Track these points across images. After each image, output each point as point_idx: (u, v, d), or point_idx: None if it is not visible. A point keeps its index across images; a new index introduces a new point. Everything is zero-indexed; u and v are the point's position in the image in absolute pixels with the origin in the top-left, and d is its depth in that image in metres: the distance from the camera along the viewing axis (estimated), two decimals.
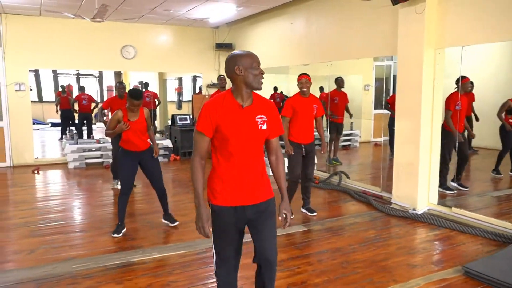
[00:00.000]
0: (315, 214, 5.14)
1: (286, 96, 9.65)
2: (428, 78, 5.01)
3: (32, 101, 9.02)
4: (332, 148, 7.96)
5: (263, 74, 2.28)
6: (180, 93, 15.61)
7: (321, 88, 8.84)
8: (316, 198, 6.01)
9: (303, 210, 5.22)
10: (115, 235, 4.40)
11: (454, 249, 4.15)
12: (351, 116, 8.15)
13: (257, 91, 2.34)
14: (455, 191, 5.87)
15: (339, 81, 7.62)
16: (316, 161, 6.04)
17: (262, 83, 2.29)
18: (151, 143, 4.67)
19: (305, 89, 4.87)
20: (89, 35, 8.61)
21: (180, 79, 14.95)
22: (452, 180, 5.93)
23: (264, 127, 2.31)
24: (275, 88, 10.34)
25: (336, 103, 7.74)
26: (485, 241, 4.28)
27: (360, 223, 4.91)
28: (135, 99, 4.34)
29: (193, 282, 3.38)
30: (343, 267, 3.70)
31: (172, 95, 15.33)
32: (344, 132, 9.26)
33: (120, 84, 6.46)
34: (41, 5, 7.34)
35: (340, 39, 6.52)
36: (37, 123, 15.57)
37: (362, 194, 5.96)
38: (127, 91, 5.42)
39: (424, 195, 5.21)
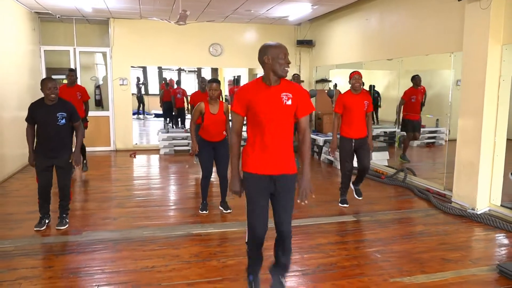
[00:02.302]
0: (360, 198, 5.39)
1: (375, 91, 9.54)
2: (493, 75, 4.87)
3: (134, 94, 10.29)
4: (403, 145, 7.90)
5: (289, 63, 2.65)
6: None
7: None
8: (378, 192, 6.15)
9: (351, 186, 5.44)
10: (203, 212, 5.04)
11: (500, 250, 4.09)
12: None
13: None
14: None
15: (416, 79, 7.54)
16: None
17: (287, 71, 2.66)
18: (226, 135, 5.12)
19: (357, 84, 5.07)
20: (181, 35, 9.53)
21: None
22: None
23: (289, 102, 2.66)
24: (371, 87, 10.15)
25: (413, 101, 7.66)
26: None
27: (411, 218, 5.00)
28: (210, 82, 4.84)
29: (236, 254, 3.87)
30: (376, 255, 3.91)
31: None
32: (428, 129, 9.03)
33: (202, 79, 7.21)
34: (140, 11, 8.41)
35: (410, 35, 6.49)
36: (142, 114, 17.45)
37: (424, 191, 5.94)
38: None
39: (485, 195, 5.08)
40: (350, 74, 5.22)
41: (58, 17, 8.94)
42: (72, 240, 4.19)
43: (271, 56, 2.62)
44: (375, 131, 9.05)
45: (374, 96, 9.68)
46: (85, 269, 3.56)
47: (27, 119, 4.27)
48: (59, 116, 4.19)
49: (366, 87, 10.14)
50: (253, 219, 2.78)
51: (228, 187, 2.88)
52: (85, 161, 7.20)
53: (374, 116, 10.02)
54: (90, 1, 7.36)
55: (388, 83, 9.60)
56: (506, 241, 4.27)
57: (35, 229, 4.35)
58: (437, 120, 9.19)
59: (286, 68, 2.65)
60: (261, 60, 2.68)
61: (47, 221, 4.47)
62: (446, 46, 5.70)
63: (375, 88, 9.73)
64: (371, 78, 9.45)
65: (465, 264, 3.70)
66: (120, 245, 4.08)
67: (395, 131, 7.94)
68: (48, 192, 4.41)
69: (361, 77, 5.14)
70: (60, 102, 4.29)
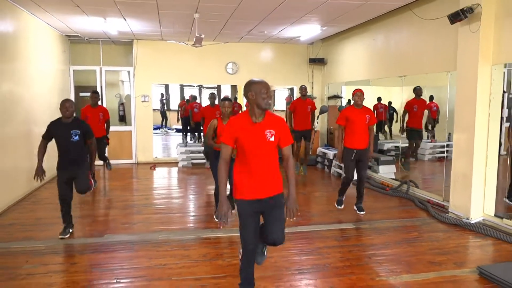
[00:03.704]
0: (363, 213, 5.70)
1: (392, 108, 9.88)
2: (483, 93, 5.20)
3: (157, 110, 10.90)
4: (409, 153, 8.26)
5: (270, 97, 3.05)
6: (289, 102, 16.73)
7: (431, 97, 8.97)
8: (380, 203, 6.49)
9: (354, 207, 5.82)
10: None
11: (486, 255, 4.39)
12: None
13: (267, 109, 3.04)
14: None
15: (418, 90, 7.94)
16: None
17: (269, 104, 3.03)
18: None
19: (359, 102, 5.50)
20: (199, 54, 10.08)
21: (292, 90, 16.06)
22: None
23: (272, 139, 3.02)
24: (379, 99, 10.20)
25: (415, 111, 8.03)
26: None
27: (408, 227, 5.32)
28: (223, 100, 5.31)
29: None
30: (368, 257, 4.28)
31: (280, 105, 16.46)
32: (440, 143, 9.30)
33: (211, 95, 7.77)
34: (161, 33, 9.06)
35: (411, 55, 6.87)
36: (164, 128, 18.15)
37: (424, 202, 6.24)
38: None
39: (479, 206, 5.36)
40: (353, 91, 5.66)
41: (86, 39, 9.69)
42: (94, 242, 4.70)
43: (254, 92, 2.93)
44: (387, 145, 9.38)
45: (390, 112, 10.04)
46: (106, 266, 4.05)
47: (43, 135, 4.78)
48: (73, 133, 4.67)
49: (385, 103, 10.53)
50: (246, 237, 3.13)
51: (215, 212, 3.18)
52: (108, 161, 7.74)
53: (388, 130, 10.39)
54: (116, 25, 8.03)
55: (403, 99, 9.94)
56: (492, 248, 4.57)
57: (59, 237, 4.77)
58: (449, 134, 9.45)
59: (269, 101, 2.99)
60: (246, 96, 3.02)
61: (70, 230, 4.90)
62: (443, 66, 6.07)
63: (392, 105, 10.10)
64: (390, 95, 9.83)
65: (449, 267, 4.02)
66: (137, 246, 4.57)
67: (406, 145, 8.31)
68: (68, 202, 4.82)
69: (363, 94, 5.58)
70: (75, 121, 4.78)
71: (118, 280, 3.72)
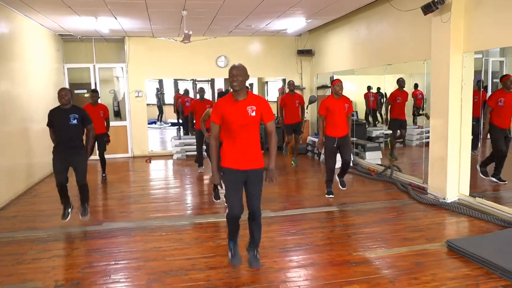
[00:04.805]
0: (344, 188, 6.13)
1: (381, 94, 10.17)
2: (455, 80, 5.53)
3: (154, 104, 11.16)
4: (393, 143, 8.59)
5: (234, 80, 3.40)
6: (282, 93, 16.98)
7: (416, 85, 9.30)
8: (365, 187, 6.85)
9: (336, 178, 6.19)
10: (217, 200, 5.94)
11: (458, 231, 4.75)
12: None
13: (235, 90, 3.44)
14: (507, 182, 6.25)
15: (400, 82, 8.26)
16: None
17: (234, 86, 3.41)
18: None
19: (340, 91, 5.82)
20: (190, 49, 10.31)
21: (284, 80, 16.31)
22: (492, 175, 6.26)
23: (253, 114, 3.46)
24: (369, 88, 10.56)
25: (398, 102, 8.35)
26: (494, 226, 4.75)
27: (388, 208, 5.67)
28: (220, 96, 5.64)
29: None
30: (348, 236, 4.63)
31: (273, 96, 16.74)
32: (426, 129, 9.62)
33: (200, 89, 8.08)
34: (152, 30, 9.31)
35: (391, 45, 7.18)
36: (156, 122, 18.40)
37: (406, 185, 6.59)
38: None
39: (454, 186, 5.71)
40: (333, 81, 5.97)
41: (79, 37, 9.93)
42: (94, 229, 5.02)
43: (229, 76, 3.45)
44: (375, 132, 9.70)
45: (380, 98, 10.33)
46: (104, 250, 4.37)
47: (47, 124, 5.07)
48: (71, 117, 4.94)
49: (374, 90, 10.84)
50: (231, 202, 3.59)
51: (210, 180, 3.71)
52: (104, 175, 7.83)
53: (378, 115, 10.72)
54: (107, 23, 8.28)
55: (385, 88, 10.23)
56: (464, 224, 4.92)
57: (62, 220, 5.09)
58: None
59: (234, 83, 3.40)
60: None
61: (69, 210, 5.16)
62: (420, 54, 6.37)
63: (380, 90, 10.43)
64: (378, 82, 10.11)
65: (421, 242, 4.37)
66: (133, 232, 4.90)
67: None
68: (64, 187, 5.05)
69: (342, 84, 5.89)
70: (73, 107, 5.05)
71: (116, 262, 4.04)
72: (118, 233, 4.88)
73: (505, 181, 6.34)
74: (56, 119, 4.99)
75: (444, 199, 5.70)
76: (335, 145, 5.89)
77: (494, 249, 3.95)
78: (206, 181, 7.60)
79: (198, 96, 8.25)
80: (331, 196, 6.07)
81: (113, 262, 4.04)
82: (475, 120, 6.00)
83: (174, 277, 3.66)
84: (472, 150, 5.92)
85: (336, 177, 6.19)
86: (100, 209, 6.03)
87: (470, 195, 5.66)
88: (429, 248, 4.19)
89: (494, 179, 6.39)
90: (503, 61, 9.40)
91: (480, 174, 6.48)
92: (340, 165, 6.13)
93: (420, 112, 9.38)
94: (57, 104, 5.05)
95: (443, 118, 5.67)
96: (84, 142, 5.29)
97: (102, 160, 7.69)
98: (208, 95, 15.94)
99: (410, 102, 8.96)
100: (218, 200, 5.92)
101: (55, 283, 3.60)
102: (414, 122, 9.86)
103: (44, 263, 4.02)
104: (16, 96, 6.94)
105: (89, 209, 5.27)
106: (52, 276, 3.74)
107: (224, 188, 3.69)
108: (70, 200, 5.20)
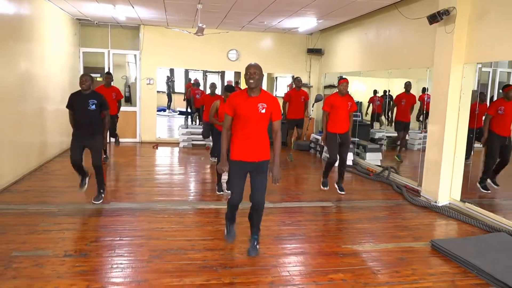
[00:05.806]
0: (343, 193, 6.33)
1: (386, 96, 10.35)
2: (455, 89, 5.74)
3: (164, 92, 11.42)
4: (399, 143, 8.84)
5: (251, 77, 3.64)
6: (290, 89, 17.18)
7: (424, 89, 9.47)
8: (362, 186, 7.10)
9: (335, 186, 6.44)
10: (220, 192, 6.14)
11: (444, 233, 5.00)
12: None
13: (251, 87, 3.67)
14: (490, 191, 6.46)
15: (407, 85, 8.53)
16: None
17: (251, 83, 3.66)
18: None
19: (344, 91, 6.08)
20: (203, 41, 10.55)
21: (293, 77, 16.48)
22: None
23: (263, 111, 3.70)
24: (375, 92, 10.78)
25: (403, 105, 8.59)
26: (479, 231, 4.99)
27: (381, 207, 5.92)
28: (228, 91, 5.91)
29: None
30: (339, 230, 4.90)
31: (282, 92, 16.94)
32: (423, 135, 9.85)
33: (212, 84, 8.33)
34: (167, 20, 9.58)
35: (397, 50, 7.39)
36: (166, 110, 18.71)
37: (401, 186, 6.83)
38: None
39: (446, 191, 5.95)
40: (340, 80, 6.24)
41: (96, 23, 10.23)
42: (101, 207, 5.33)
43: (246, 73, 3.70)
44: (378, 134, 9.92)
45: (387, 100, 10.51)
46: (111, 227, 4.68)
47: (67, 106, 5.35)
48: (90, 103, 5.23)
49: (380, 93, 11.02)
50: (233, 190, 3.86)
51: (217, 167, 3.98)
52: (117, 137, 8.45)
53: (384, 117, 10.93)
54: (124, 11, 8.56)
55: (403, 89, 10.38)
56: (451, 227, 5.17)
57: (79, 189, 5.43)
58: None
59: (250, 81, 3.65)
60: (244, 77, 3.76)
61: (87, 179, 5.49)
62: (423, 62, 6.59)
63: (389, 93, 10.63)
64: (384, 85, 10.30)
65: (407, 240, 4.63)
66: (138, 213, 5.20)
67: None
68: (79, 165, 5.35)
69: (348, 84, 6.18)
70: (93, 93, 5.33)
71: (121, 238, 4.35)
72: (123, 212, 5.19)
73: (498, 185, 6.61)
74: (76, 103, 5.28)
75: (435, 202, 5.95)
76: (337, 141, 6.15)
77: (475, 251, 4.20)
78: (209, 170, 7.92)
79: (209, 91, 8.51)
80: (325, 188, 6.39)
81: (118, 238, 4.34)
82: (471, 131, 6.24)
83: (174, 255, 3.96)
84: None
85: (335, 185, 6.46)
86: (108, 189, 6.32)
87: (461, 200, 5.89)
88: (414, 246, 4.45)
89: (489, 181, 6.64)
90: (510, 72, 9.60)
91: (482, 190, 6.63)
92: (337, 164, 6.39)
93: (426, 116, 9.57)
94: (72, 86, 5.34)
95: (440, 125, 5.90)
96: None
97: (114, 135, 8.07)
98: (218, 87, 16.25)
99: (417, 106, 9.13)
100: (221, 193, 6.12)
101: (64, 253, 3.91)
102: (419, 128, 10.03)
103: (55, 235, 4.34)
104: (34, 76, 7.24)
105: (103, 195, 5.54)
106: (62, 247, 4.05)
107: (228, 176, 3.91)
108: (87, 171, 5.50)
